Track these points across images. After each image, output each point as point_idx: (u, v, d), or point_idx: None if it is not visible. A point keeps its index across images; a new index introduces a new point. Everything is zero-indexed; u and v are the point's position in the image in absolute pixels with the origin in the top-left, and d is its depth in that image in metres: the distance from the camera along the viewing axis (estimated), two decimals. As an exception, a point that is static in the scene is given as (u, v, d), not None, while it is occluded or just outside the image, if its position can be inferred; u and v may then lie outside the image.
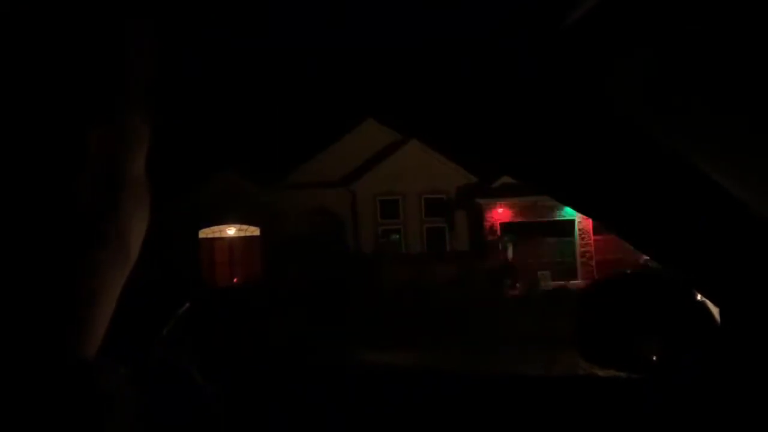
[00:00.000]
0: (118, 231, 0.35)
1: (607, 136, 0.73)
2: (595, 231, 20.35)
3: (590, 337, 1.04)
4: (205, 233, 20.56)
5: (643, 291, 1.01)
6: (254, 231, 20.44)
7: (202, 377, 0.43)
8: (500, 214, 19.81)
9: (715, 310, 0.90)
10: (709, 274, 0.85)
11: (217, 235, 20.68)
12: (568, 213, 19.94)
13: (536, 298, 15.51)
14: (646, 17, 0.60)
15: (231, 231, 20.71)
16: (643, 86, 0.67)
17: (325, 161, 20.61)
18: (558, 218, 19.88)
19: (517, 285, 16.44)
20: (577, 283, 17.78)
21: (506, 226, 19.54)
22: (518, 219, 19.56)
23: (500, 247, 18.83)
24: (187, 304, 0.52)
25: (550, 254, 18.96)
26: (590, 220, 20.16)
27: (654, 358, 1.00)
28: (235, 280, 19.71)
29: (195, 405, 0.40)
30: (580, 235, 20.47)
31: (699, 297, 0.90)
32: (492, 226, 19.87)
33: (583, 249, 20.46)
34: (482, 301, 15.26)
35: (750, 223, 0.74)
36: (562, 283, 17.14)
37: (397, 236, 20.68)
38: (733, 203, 0.73)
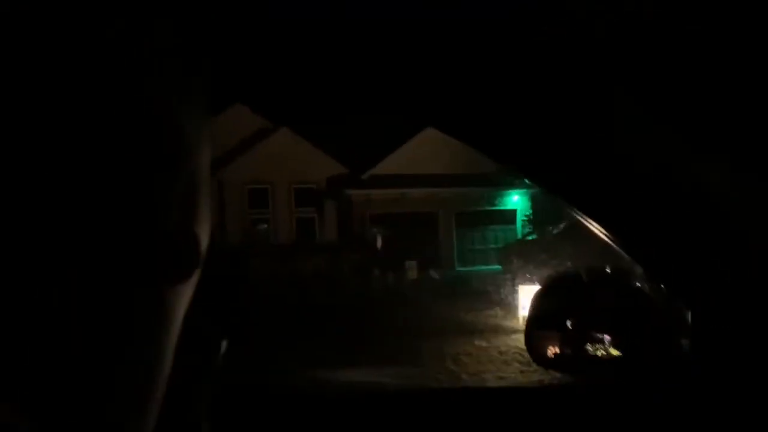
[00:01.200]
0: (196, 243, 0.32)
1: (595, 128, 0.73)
2: (457, 223, 21.42)
3: (537, 339, 1.05)
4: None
5: (591, 290, 1.03)
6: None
7: None
8: (370, 205, 20.12)
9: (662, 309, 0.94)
10: (684, 276, 0.88)
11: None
12: (432, 205, 20.79)
13: (404, 288, 15.99)
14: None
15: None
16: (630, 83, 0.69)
17: (190, 146, 19.54)
18: (422, 210, 20.65)
19: (386, 275, 16.82)
20: (440, 271, 18.58)
21: (376, 218, 19.90)
22: (387, 211, 20.00)
23: (369, 238, 19.14)
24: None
25: (417, 245, 19.60)
26: (452, 213, 21.18)
27: (605, 357, 1.00)
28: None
29: None
30: (443, 227, 21.41)
31: (648, 293, 0.93)
32: (362, 217, 20.13)
33: (445, 240, 21.44)
34: (352, 293, 15.43)
35: (724, 225, 0.78)
36: (428, 272, 17.86)
37: (266, 226, 20.22)
38: (709, 202, 0.76)
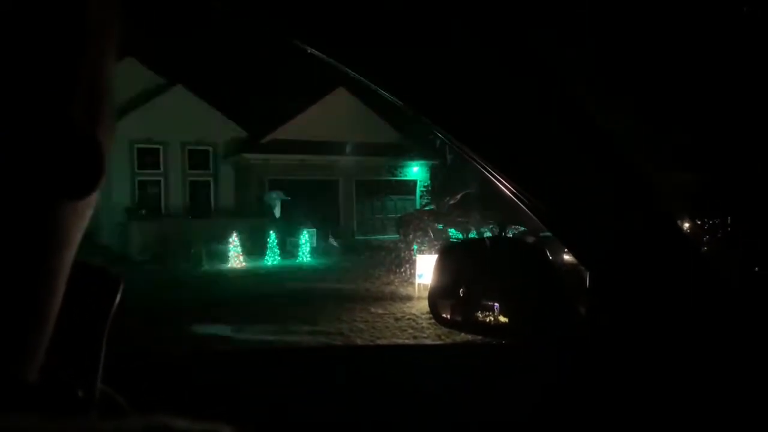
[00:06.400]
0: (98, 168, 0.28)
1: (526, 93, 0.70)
2: (358, 192, 21.49)
3: (441, 300, 1.04)
4: None
5: (495, 253, 1.03)
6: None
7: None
8: (269, 170, 19.65)
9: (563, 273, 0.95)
10: (586, 238, 0.88)
11: None
12: (333, 173, 20.70)
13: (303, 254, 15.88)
14: None
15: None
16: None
17: (72, 99, 18.01)
18: (323, 178, 20.50)
19: (284, 241, 16.59)
20: (338, 239, 18.62)
21: (275, 183, 19.48)
22: (287, 176, 19.64)
23: (267, 204, 18.74)
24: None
25: (316, 213, 19.47)
26: (353, 181, 21.21)
27: (508, 321, 1.03)
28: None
29: None
30: (343, 195, 21.41)
31: (549, 259, 0.95)
32: (260, 182, 19.63)
33: (345, 208, 21.48)
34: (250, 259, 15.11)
35: (634, 189, 0.78)
36: (326, 239, 17.86)
37: (157, 189, 19.21)
38: (623, 171, 0.76)
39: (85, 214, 0.29)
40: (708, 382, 0.84)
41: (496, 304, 1.02)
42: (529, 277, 0.97)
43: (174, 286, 11.59)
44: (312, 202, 19.38)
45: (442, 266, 1.05)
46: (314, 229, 17.61)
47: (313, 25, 0.64)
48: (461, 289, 1.04)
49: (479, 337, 1.21)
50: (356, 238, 20.12)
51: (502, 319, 1.02)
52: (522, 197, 0.78)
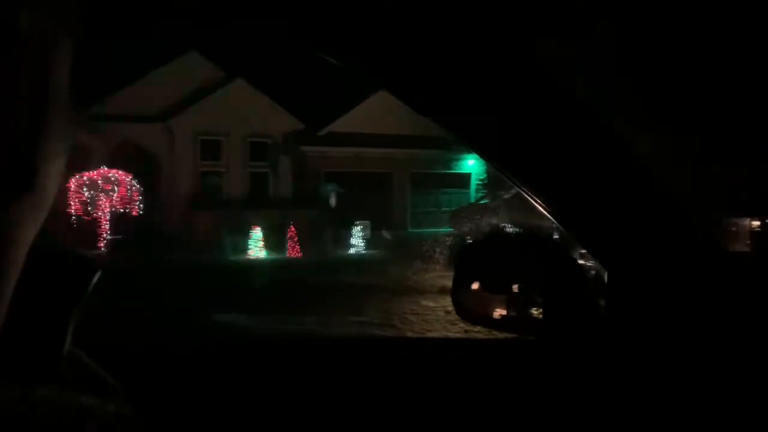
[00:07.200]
0: (41, 171, 0.30)
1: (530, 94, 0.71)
2: (412, 185, 21.51)
3: (465, 295, 1.06)
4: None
5: (519, 250, 1.04)
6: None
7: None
8: (325, 162, 19.94)
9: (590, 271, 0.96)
10: (602, 238, 0.89)
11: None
12: (387, 165, 20.77)
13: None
14: None
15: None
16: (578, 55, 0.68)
17: (139, 93, 18.78)
18: (378, 170, 20.62)
19: (338, 234, 16.83)
20: (392, 232, 18.72)
21: (331, 175, 19.75)
22: (343, 169, 19.87)
23: (323, 196, 19.04)
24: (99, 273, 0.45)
25: (371, 205, 19.62)
26: (408, 174, 21.23)
27: (532, 317, 1.02)
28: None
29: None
30: (397, 188, 21.47)
31: (574, 257, 0.95)
32: (317, 174, 19.95)
33: (399, 201, 21.55)
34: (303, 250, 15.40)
35: (648, 189, 0.79)
36: (380, 231, 17.98)
37: (219, 180, 19.82)
38: (637, 168, 0.77)
39: (34, 216, 0.31)
40: (725, 384, 0.85)
41: (519, 299, 1.03)
42: (552, 273, 0.98)
43: (226, 274, 11.97)
44: (366, 194, 19.54)
45: (465, 262, 1.08)
46: (368, 222, 17.76)
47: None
48: (485, 285, 1.05)
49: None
50: (409, 230, 20.16)
51: (533, 313, 1.03)
52: (536, 199, 0.81)
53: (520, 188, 0.84)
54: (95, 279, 0.43)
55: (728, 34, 0.64)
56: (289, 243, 15.59)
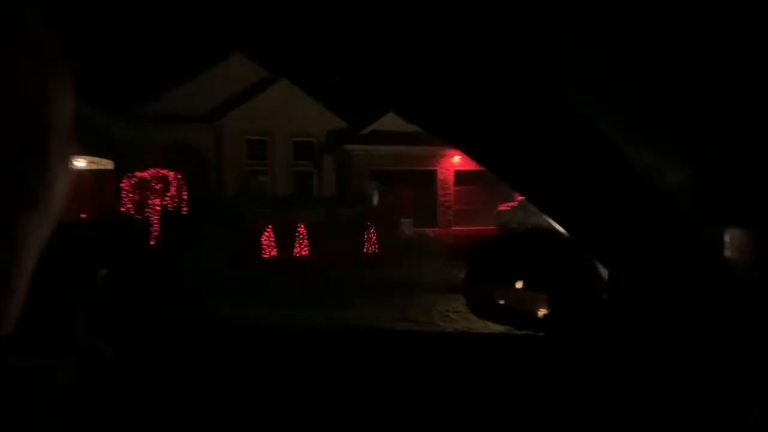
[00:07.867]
0: (46, 188, 0.33)
1: (519, 95, 0.72)
2: (455, 182, 21.39)
3: (478, 291, 1.07)
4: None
5: (531, 248, 1.05)
6: (107, 164, 18.84)
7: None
8: (369, 160, 20.04)
9: (601, 270, 0.96)
10: (602, 237, 0.89)
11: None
12: (431, 163, 20.70)
13: (399, 245, 16.07)
14: None
15: (81, 163, 18.92)
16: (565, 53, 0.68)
17: (188, 94, 19.32)
18: (420, 168, 20.57)
19: (382, 231, 16.88)
20: (435, 230, 18.69)
21: (374, 174, 19.84)
22: (386, 167, 19.94)
23: (367, 194, 19.14)
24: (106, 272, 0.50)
25: (413, 202, 19.63)
26: (451, 171, 21.13)
27: (541, 314, 1.03)
28: (83, 215, 18.18)
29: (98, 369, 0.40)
30: (440, 185, 21.39)
31: (585, 256, 0.95)
32: (360, 173, 20.08)
33: (442, 199, 21.46)
34: (348, 248, 15.53)
35: (645, 193, 0.79)
36: (423, 230, 17.95)
37: (264, 178, 20.20)
38: (633, 172, 0.77)
39: (43, 225, 0.34)
40: (725, 384, 0.85)
41: (531, 296, 1.03)
42: (561, 270, 0.99)
43: (273, 272, 12.18)
44: (409, 192, 19.54)
45: (499, 258, 1.09)
46: (410, 219, 17.76)
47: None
48: (499, 282, 1.06)
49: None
50: (452, 228, 20.05)
51: (540, 311, 1.04)
52: (532, 199, 0.82)
53: (520, 192, 0.86)
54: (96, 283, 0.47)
55: (728, 34, 0.64)
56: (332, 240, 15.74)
